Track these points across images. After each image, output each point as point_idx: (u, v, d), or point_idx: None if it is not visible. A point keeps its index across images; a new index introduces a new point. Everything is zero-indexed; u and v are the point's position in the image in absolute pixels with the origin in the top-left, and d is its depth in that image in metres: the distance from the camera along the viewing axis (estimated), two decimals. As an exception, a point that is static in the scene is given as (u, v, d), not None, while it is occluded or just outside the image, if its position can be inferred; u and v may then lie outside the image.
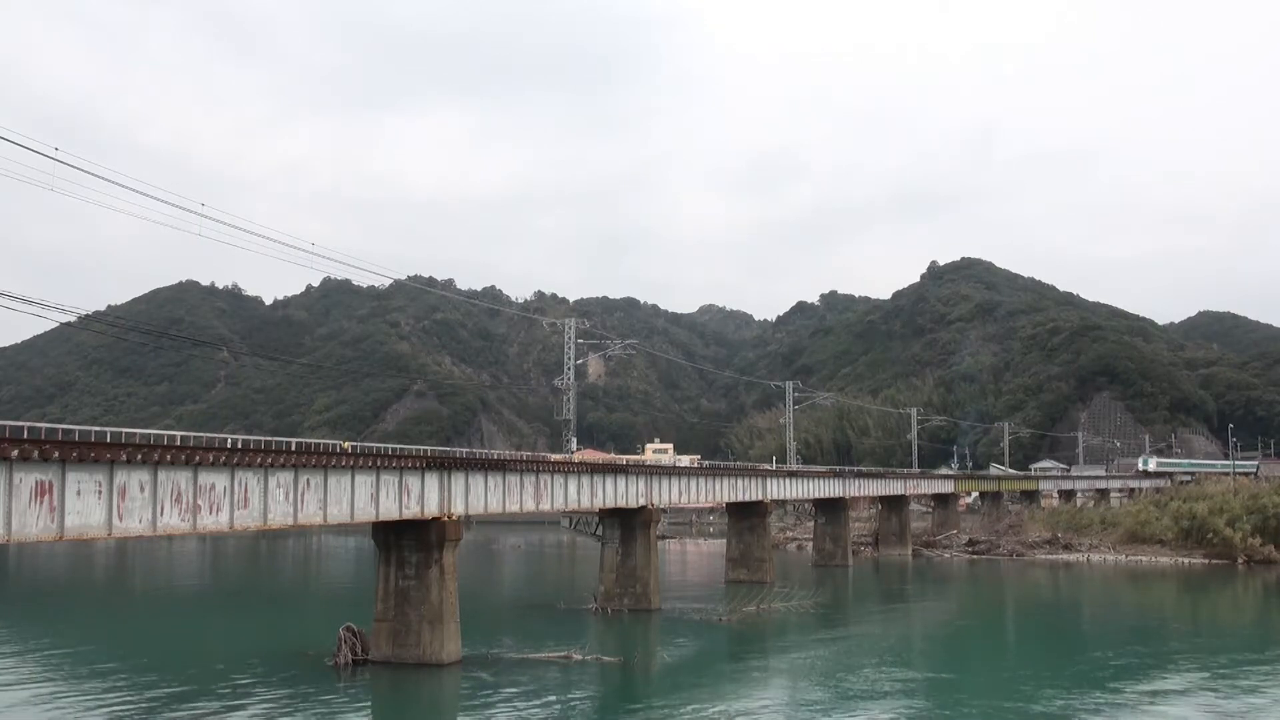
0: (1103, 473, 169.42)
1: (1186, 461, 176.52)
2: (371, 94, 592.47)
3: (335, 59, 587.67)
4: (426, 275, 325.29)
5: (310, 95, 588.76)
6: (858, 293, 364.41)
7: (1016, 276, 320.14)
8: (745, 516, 79.50)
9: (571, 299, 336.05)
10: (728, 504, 78.58)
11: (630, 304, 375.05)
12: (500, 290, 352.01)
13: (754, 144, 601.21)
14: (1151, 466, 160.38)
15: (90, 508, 28.47)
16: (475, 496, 45.80)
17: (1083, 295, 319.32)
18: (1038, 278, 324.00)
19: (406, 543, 42.51)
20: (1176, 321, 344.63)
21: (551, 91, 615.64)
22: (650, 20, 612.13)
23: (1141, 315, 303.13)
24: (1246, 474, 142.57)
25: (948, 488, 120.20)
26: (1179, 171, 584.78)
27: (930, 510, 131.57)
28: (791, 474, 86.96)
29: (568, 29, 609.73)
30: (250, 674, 40.27)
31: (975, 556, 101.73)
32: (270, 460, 34.38)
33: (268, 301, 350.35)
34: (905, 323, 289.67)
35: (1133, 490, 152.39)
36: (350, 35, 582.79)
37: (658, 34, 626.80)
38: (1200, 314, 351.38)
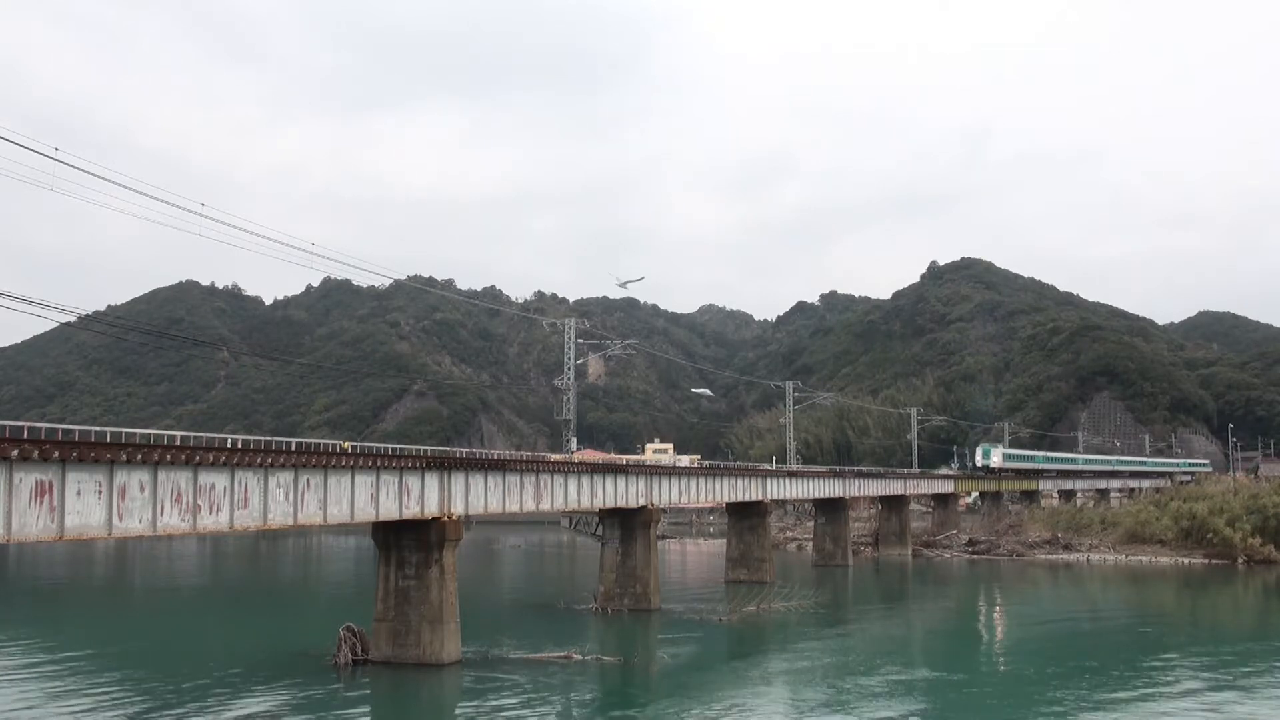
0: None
1: (1042, 455, 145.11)
2: (369, 94, 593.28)
3: (333, 59, 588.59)
4: (426, 275, 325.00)
5: (308, 96, 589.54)
6: (858, 293, 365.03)
7: (1016, 276, 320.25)
8: (745, 516, 79.51)
9: (571, 299, 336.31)
10: (728, 504, 78.55)
11: (630, 304, 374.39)
12: (500, 290, 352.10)
13: (753, 143, 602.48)
14: (995, 461, 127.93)
15: (90, 508, 28.46)
16: (475, 496, 45.79)
17: (1083, 295, 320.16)
18: (1038, 278, 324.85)
19: (406, 543, 42.49)
20: (1176, 321, 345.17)
21: (549, 91, 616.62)
22: (648, 20, 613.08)
23: (1141, 315, 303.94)
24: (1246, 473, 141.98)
25: (948, 488, 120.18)
26: (1178, 171, 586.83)
27: (930, 510, 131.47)
28: (791, 474, 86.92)
29: (565, 29, 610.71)
30: (250, 674, 40.25)
31: (975, 556, 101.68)
32: (270, 460, 34.37)
33: (268, 301, 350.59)
34: (905, 323, 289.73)
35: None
36: (348, 36, 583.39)
37: (656, 34, 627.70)
38: (1200, 314, 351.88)
